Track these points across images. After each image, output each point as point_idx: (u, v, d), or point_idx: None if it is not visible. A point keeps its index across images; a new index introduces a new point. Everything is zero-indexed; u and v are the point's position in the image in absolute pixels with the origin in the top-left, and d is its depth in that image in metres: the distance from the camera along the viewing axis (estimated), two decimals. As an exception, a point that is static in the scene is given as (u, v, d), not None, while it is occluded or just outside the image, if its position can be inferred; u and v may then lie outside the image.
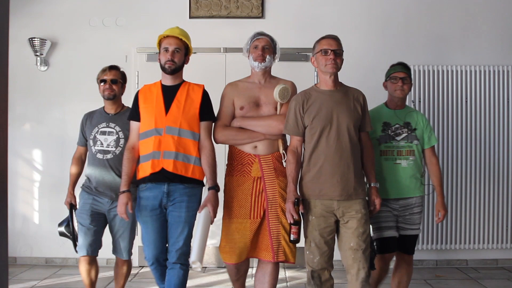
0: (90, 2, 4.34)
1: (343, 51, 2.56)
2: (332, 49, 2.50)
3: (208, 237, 2.53)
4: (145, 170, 2.56)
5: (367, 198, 2.59)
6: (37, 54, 4.22)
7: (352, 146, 2.50)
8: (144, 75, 4.15)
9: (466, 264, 4.28)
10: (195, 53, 4.23)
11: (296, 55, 4.25)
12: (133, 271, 3.64)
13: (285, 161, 2.59)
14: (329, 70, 2.50)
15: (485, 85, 4.23)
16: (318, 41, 2.59)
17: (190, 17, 4.28)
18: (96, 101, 3.10)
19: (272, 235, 2.55)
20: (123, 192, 2.57)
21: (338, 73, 2.57)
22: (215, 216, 2.54)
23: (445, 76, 4.23)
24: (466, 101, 4.23)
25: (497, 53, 4.29)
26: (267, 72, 2.72)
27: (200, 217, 2.52)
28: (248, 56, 2.71)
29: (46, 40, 4.21)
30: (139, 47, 4.25)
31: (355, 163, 2.50)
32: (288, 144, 2.67)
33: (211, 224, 2.54)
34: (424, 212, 3.32)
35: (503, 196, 4.22)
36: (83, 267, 2.90)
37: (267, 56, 2.65)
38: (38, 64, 4.27)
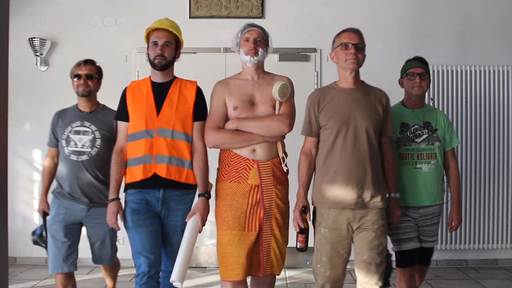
0: (90, 2, 4.35)
1: (365, 45, 2.35)
2: (354, 43, 2.29)
3: (192, 253, 2.33)
4: (134, 175, 2.35)
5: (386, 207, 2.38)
6: (37, 54, 4.22)
7: (371, 150, 2.27)
8: (144, 75, 4.07)
9: (466, 264, 4.28)
10: (194, 53, 4.27)
11: (296, 55, 4.25)
12: (133, 271, 3.63)
13: (284, 166, 2.39)
14: (349, 65, 2.29)
15: (485, 85, 4.23)
16: (338, 35, 2.38)
17: (190, 17, 4.28)
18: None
19: (264, 248, 2.35)
20: (113, 200, 2.35)
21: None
22: (203, 225, 2.36)
23: (445, 76, 4.23)
24: (466, 101, 4.23)
25: (497, 53, 4.29)
26: (260, 67, 2.46)
27: (187, 226, 2.33)
28: (239, 51, 2.45)
29: (46, 40, 4.21)
30: (139, 47, 4.24)
31: (373, 169, 2.27)
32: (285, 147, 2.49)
33: (200, 232, 2.37)
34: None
35: (503, 196, 4.22)
36: (60, 285, 2.65)
37: (260, 50, 2.39)
38: (38, 64, 4.27)
